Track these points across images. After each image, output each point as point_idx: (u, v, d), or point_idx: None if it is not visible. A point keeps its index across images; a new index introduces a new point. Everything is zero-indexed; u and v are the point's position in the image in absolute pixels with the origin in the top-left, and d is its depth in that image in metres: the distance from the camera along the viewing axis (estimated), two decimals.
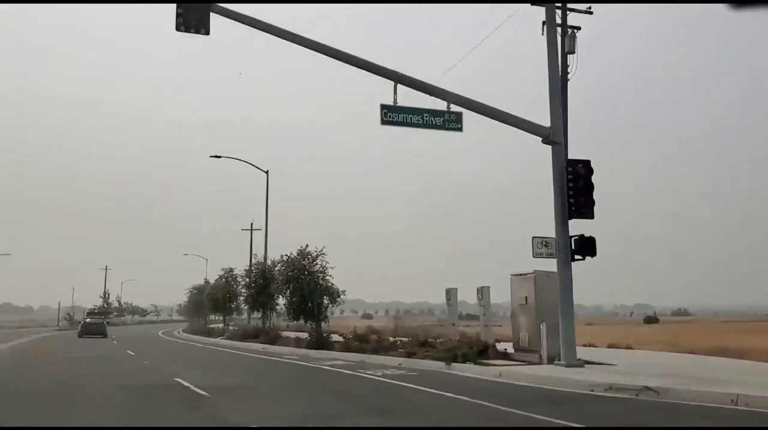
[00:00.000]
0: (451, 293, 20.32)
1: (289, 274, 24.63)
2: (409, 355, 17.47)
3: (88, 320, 50.82)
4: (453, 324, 20.30)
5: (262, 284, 31.69)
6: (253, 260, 34.88)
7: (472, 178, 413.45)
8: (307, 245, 24.97)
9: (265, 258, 34.63)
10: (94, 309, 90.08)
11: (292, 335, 31.16)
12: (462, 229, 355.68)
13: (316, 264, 24.82)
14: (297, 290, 24.21)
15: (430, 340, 19.88)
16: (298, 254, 24.86)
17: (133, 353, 23.04)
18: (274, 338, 28.83)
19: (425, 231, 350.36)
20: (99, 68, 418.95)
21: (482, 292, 18.64)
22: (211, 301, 42.52)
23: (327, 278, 24.83)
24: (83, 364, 18.04)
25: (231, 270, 44.19)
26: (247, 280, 33.57)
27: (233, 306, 44.27)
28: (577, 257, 14.54)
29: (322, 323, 24.98)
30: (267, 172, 37.10)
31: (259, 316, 34.10)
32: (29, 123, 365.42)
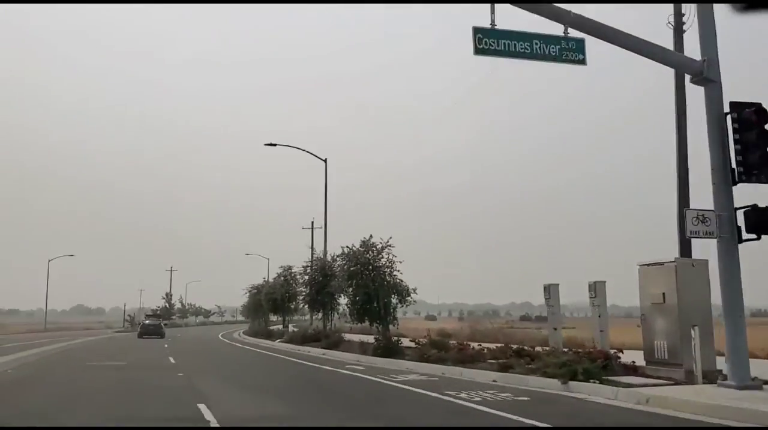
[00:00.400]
0: (551, 290, 16.47)
1: (351, 269, 21.24)
2: (505, 368, 13.71)
3: (147, 321, 55.12)
4: (555, 328, 16.41)
5: (322, 281, 28.53)
6: (313, 256, 31.78)
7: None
8: (371, 236, 21.57)
9: (325, 253, 31.55)
10: (156, 311, 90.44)
11: (355, 338, 27.86)
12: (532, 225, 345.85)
13: (382, 257, 21.35)
14: (360, 287, 20.78)
15: (525, 348, 16.03)
16: (361, 246, 21.46)
17: (173, 361, 20.20)
18: (335, 343, 25.59)
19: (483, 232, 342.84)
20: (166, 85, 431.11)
21: (595, 288, 14.79)
22: (270, 301, 39.78)
23: (395, 273, 21.34)
24: (100, 377, 14.99)
25: (289, 268, 41.27)
26: (306, 277, 30.47)
27: (292, 306, 41.46)
28: (748, 236, 10.47)
29: (390, 326, 21.49)
30: (325, 161, 34.15)
31: (320, 317, 30.95)
32: (95, 136, 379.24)
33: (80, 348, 31.02)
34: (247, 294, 50.62)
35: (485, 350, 16.80)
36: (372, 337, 26.06)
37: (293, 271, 41.12)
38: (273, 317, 48.34)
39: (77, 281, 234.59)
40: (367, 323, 21.97)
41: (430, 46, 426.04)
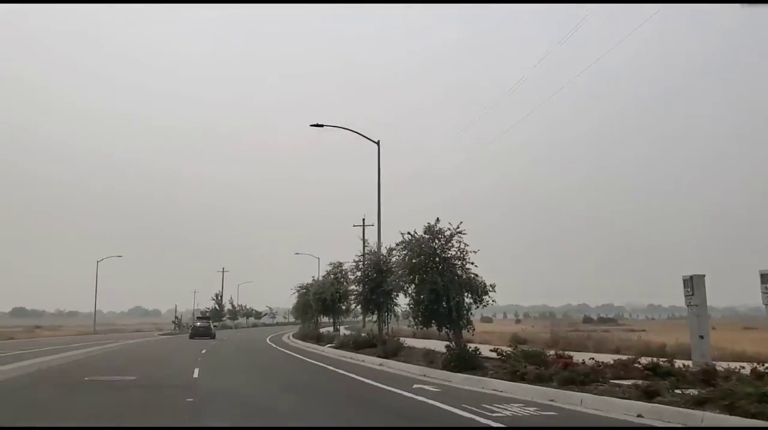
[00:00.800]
0: (694, 284, 12.03)
1: (414, 261, 17.16)
2: (650, 395, 9.39)
3: (198, 324, 56.66)
4: (702, 337, 11.93)
5: (376, 278, 24.64)
6: (366, 249, 27.83)
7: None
8: (437, 220, 17.42)
9: (378, 246, 27.67)
10: (206, 312, 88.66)
11: (418, 345, 23.85)
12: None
13: (451, 247, 17.21)
14: (426, 283, 16.68)
15: (661, 364, 11.64)
16: (425, 232, 17.37)
17: (196, 376, 16.31)
18: (394, 350, 21.61)
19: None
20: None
21: (692, 283, 12.19)
22: (319, 301, 36.07)
23: (467, 267, 17.16)
24: (69, 408, 10.94)
25: (340, 265, 37.53)
26: (358, 274, 26.55)
27: (343, 307, 37.73)
28: None
29: (463, 331, 17.31)
30: (378, 143, 30.31)
31: (374, 319, 27.00)
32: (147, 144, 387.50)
33: (105, 354, 28.01)
34: (296, 294, 47.17)
35: (600, 366, 12.47)
36: (435, 342, 22.21)
37: (344, 268, 37.58)
38: (323, 319, 44.78)
39: (136, 284, 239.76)
40: (435, 327, 17.74)
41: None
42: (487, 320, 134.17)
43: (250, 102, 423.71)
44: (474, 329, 17.61)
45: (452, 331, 16.92)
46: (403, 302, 25.77)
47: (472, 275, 17.04)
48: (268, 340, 47.02)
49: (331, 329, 51.80)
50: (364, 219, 48.31)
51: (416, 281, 17.27)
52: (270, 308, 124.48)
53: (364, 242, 29.17)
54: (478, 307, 17.28)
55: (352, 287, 28.00)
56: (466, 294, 16.85)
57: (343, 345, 28.17)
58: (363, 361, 21.87)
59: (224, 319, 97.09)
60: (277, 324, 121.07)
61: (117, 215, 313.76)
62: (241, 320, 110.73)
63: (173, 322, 75.89)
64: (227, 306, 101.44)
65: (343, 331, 40.60)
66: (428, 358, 18.18)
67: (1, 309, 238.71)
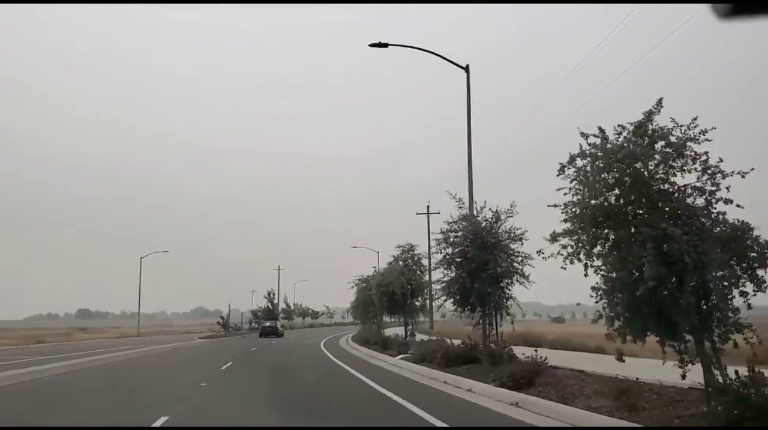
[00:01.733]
0: None
1: (612, 196, 7.98)
2: None
3: (266, 323, 60.94)
4: None
5: (480, 257, 15.46)
6: (457, 213, 18.38)
7: None
8: (659, 104, 8.13)
9: (471, 207, 18.17)
10: (258, 312, 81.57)
11: (561, 362, 14.70)
12: None
13: (685, 165, 7.94)
14: (645, 241, 7.45)
15: None
16: (632, 134, 8.15)
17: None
18: (526, 375, 12.35)
19: None
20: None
21: None
22: (384, 296, 27.10)
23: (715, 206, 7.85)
24: None
25: (411, 248, 28.61)
26: (446, 252, 17.20)
27: (418, 303, 28.70)
28: None
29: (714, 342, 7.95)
30: (467, 69, 21.37)
31: (473, 318, 17.46)
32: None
33: (87, 370, 20.41)
34: (354, 289, 38.20)
35: None
36: (575, 355, 13.09)
37: (416, 252, 28.55)
38: (387, 318, 35.69)
39: (199, 284, 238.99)
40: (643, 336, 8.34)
41: None
42: (558, 320, 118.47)
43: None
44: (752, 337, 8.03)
45: (700, 343, 7.61)
46: (521, 293, 16.88)
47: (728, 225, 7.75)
48: (322, 345, 38.47)
49: (399, 331, 42.58)
50: (428, 206, 39.43)
51: (610, 241, 8.08)
52: (327, 307, 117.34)
53: (429, 241, 19.85)
54: (755, 294, 7.83)
55: (440, 273, 18.43)
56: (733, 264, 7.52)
57: (424, 357, 19.13)
58: (471, 389, 12.86)
59: (264, 319, 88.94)
60: (335, 324, 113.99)
61: (178, 218, 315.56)
62: (297, 320, 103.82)
63: (218, 323, 68.71)
64: (282, 305, 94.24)
65: (418, 336, 31.58)
66: (625, 400, 8.92)
67: (68, 310, 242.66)
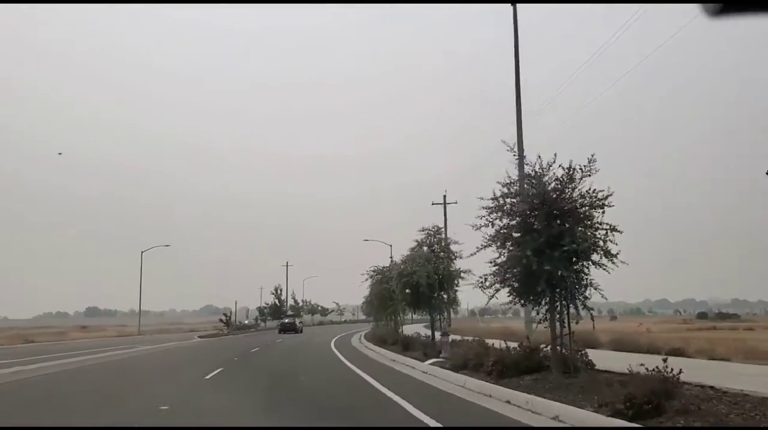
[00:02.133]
0: None
1: None
2: None
3: (285, 320, 63.66)
4: None
5: (551, 230, 11.09)
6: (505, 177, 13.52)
7: None
8: None
9: (521, 159, 13.37)
10: (264, 308, 77.67)
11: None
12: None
13: None
14: None
15: None
16: None
17: None
18: (657, 397, 7.93)
19: None
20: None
21: None
22: (407, 287, 22.63)
23: None
24: None
25: (438, 230, 24.27)
26: (500, 223, 12.56)
27: (448, 296, 24.24)
28: None
29: None
30: (514, 3, 17.07)
31: (540, 313, 12.78)
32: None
33: (63, 374, 16.26)
34: (368, 282, 33.73)
35: None
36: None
37: (443, 237, 24.13)
38: (408, 315, 31.23)
39: (209, 282, 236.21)
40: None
41: None
42: (615, 317, 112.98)
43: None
44: None
45: None
46: (601, 278, 12.55)
47: None
48: (333, 345, 34.21)
49: (417, 328, 38.36)
50: (445, 195, 34.98)
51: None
52: (337, 304, 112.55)
53: (446, 230, 14.80)
54: None
55: (490, 247, 13.55)
56: None
57: (467, 364, 14.75)
58: (558, 417, 8.49)
59: (284, 316, 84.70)
60: (345, 322, 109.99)
61: (180, 218, 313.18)
62: (306, 318, 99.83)
63: (221, 320, 64.40)
64: (289, 301, 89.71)
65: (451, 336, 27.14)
66: None
67: (78, 309, 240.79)
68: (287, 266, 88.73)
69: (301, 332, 59.46)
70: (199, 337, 49.54)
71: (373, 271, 32.63)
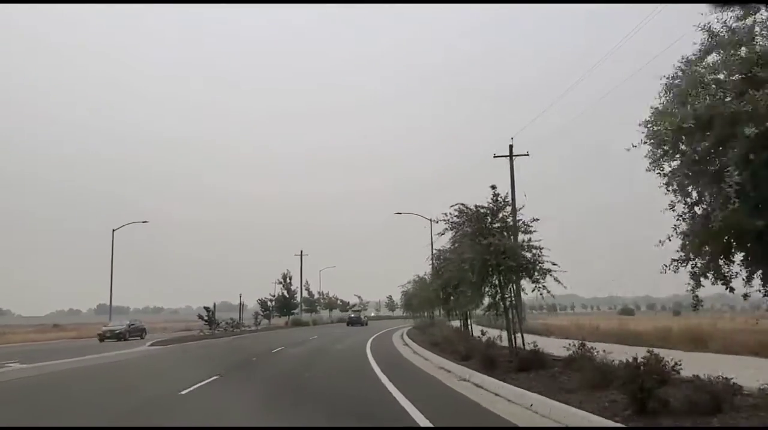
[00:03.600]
0: None
1: None
2: None
3: (352, 315, 73.83)
4: None
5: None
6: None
7: None
8: None
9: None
10: (267, 300, 67.43)
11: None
12: None
13: None
14: None
15: None
16: None
17: None
18: None
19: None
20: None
21: None
22: (498, 257, 13.24)
23: None
24: None
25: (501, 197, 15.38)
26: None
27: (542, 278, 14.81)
28: None
29: None
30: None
31: None
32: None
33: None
34: (449, 233, 21.27)
35: None
36: None
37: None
38: (477, 310, 21.44)
39: (223, 279, 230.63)
40: None
41: None
42: (627, 312, 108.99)
43: None
44: None
45: None
46: None
47: None
48: (369, 351, 25.40)
49: (479, 331, 29.00)
50: (511, 145, 26.27)
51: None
52: (359, 297, 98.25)
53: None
54: None
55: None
56: None
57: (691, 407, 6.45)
58: None
59: (295, 311, 72.05)
60: (369, 318, 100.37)
61: (188, 217, 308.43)
62: (323, 314, 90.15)
63: (201, 317, 46.09)
64: (303, 293, 76.78)
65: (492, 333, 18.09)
66: None
67: (91, 306, 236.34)
68: (301, 255, 77.86)
69: (366, 324, 66.81)
70: (151, 345, 32.14)
71: (438, 251, 24.31)
